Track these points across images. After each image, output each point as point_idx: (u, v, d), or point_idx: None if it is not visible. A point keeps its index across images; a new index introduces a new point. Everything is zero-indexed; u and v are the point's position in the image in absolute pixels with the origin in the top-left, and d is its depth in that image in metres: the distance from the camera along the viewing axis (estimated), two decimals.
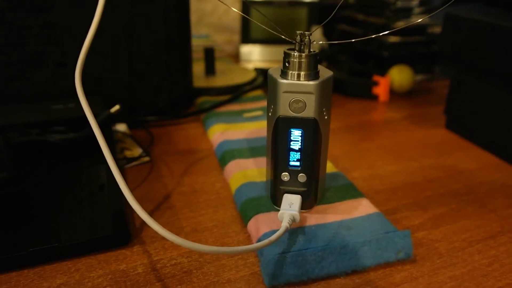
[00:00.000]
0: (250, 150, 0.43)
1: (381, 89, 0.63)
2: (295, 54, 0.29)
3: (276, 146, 0.31)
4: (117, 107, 0.42)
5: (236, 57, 0.86)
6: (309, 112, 0.30)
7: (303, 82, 0.29)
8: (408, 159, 0.46)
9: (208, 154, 0.46)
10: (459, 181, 0.42)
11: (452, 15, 0.50)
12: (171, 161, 0.44)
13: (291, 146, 0.31)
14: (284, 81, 0.29)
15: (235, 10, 0.29)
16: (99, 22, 0.33)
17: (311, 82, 0.29)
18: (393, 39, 0.68)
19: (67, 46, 0.45)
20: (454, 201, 0.38)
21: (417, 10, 0.70)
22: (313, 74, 0.29)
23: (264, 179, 0.38)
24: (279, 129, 0.31)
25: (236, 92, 0.59)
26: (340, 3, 0.35)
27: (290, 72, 0.29)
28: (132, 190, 0.39)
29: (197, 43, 0.94)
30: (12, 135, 0.39)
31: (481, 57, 0.46)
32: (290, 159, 0.32)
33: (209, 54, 0.65)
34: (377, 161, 0.45)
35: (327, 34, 0.82)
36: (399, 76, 0.65)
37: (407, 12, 0.69)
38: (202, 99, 0.58)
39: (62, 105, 0.44)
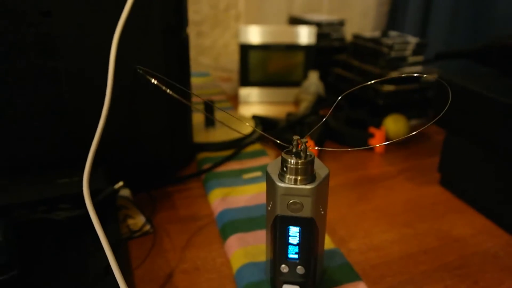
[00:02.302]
0: (250, 221, 0.45)
1: (376, 141, 0.64)
2: (292, 161, 0.30)
3: (275, 240, 0.33)
4: (120, 183, 0.43)
5: (235, 99, 0.88)
6: (306, 212, 0.31)
7: (300, 186, 0.30)
8: (403, 224, 0.47)
9: (209, 222, 0.47)
10: (453, 252, 0.43)
11: (444, 79, 0.51)
12: (173, 231, 0.46)
13: (290, 241, 0.32)
14: (282, 184, 0.31)
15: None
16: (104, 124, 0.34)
17: (307, 186, 0.30)
18: (388, 87, 0.70)
19: (75, 126, 0.46)
20: (448, 276, 0.40)
21: (410, 59, 0.72)
22: (309, 178, 0.31)
23: (264, 257, 0.39)
24: (278, 226, 0.32)
25: (235, 148, 0.60)
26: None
27: (288, 176, 0.31)
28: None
29: (197, 82, 0.95)
30: (19, 214, 0.40)
31: (470, 123, 0.48)
32: (289, 253, 0.33)
33: (209, 107, 0.66)
34: (373, 227, 0.47)
35: (323, 77, 0.83)
36: (394, 126, 0.67)
37: (401, 62, 0.71)
38: (202, 155, 0.59)
39: (67, 178, 0.45)
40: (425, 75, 0.34)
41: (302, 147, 0.30)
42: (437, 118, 0.34)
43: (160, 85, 0.24)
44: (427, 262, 0.41)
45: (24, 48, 0.42)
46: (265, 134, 0.32)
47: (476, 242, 0.45)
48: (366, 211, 0.50)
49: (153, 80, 0.25)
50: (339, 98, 0.34)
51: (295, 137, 0.31)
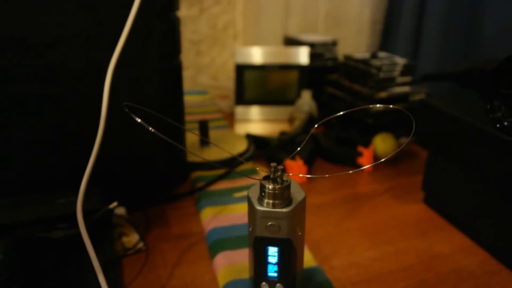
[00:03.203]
0: (237, 239, 0.47)
1: (365, 160, 0.67)
2: (270, 186, 0.33)
3: (256, 260, 0.35)
4: (114, 203, 0.46)
5: (231, 117, 0.90)
6: (284, 233, 0.33)
7: (277, 210, 0.33)
8: (385, 242, 0.49)
9: (200, 240, 0.49)
10: (430, 269, 0.45)
11: (426, 103, 0.54)
12: (165, 248, 0.48)
13: (269, 260, 0.35)
14: (261, 208, 0.33)
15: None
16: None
17: (284, 210, 0.33)
18: (377, 107, 0.72)
19: (74, 148, 0.49)
20: None
21: (399, 79, 0.75)
22: (286, 201, 0.33)
23: (247, 274, 0.41)
24: (257, 246, 0.34)
25: (228, 167, 0.63)
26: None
27: (266, 200, 0.33)
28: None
29: (195, 100, 0.98)
30: (19, 233, 0.43)
31: (447, 144, 0.50)
32: (268, 271, 0.35)
33: (204, 126, 0.69)
34: (356, 245, 0.49)
35: (317, 96, 0.86)
36: (383, 144, 0.69)
37: (389, 82, 0.74)
38: (196, 174, 0.62)
39: (65, 198, 0.48)
40: (391, 106, 0.37)
41: (278, 173, 0.33)
42: (403, 145, 0.36)
43: (144, 123, 0.27)
44: (405, 279, 0.43)
45: (28, 77, 0.45)
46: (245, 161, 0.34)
47: (454, 260, 0.47)
48: (350, 229, 0.52)
49: (137, 119, 0.27)
50: (316, 125, 0.37)
51: (273, 164, 0.33)
